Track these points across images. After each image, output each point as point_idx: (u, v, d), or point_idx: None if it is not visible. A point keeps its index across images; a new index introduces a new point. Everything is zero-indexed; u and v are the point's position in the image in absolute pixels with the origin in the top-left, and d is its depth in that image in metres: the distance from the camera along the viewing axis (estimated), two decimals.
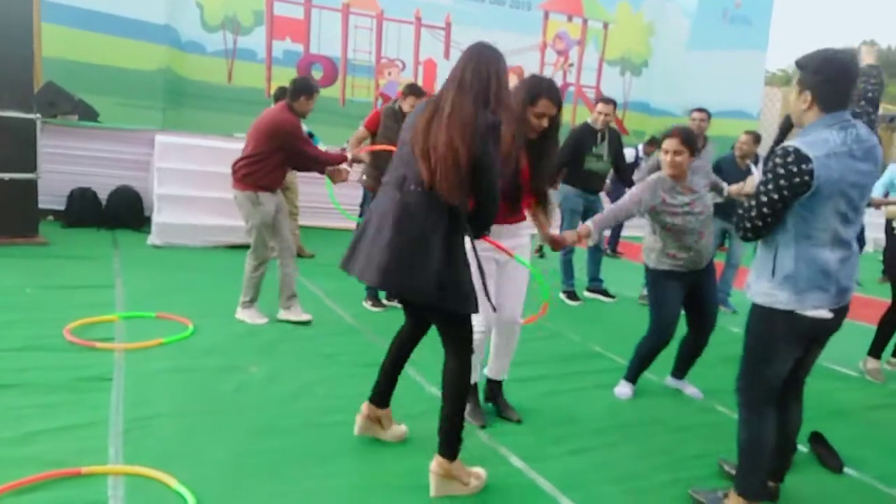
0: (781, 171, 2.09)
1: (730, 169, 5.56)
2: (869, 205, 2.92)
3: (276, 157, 4.15)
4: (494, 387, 3.20)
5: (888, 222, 4.51)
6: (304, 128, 4.66)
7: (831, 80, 2.11)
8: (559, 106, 2.81)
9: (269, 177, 4.17)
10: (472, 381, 3.09)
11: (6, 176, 5.70)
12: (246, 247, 4.35)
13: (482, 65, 2.30)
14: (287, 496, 2.36)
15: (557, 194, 5.59)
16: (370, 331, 4.29)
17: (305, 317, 4.43)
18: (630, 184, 5.92)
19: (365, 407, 2.77)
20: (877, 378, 4.26)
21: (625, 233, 8.22)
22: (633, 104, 11.90)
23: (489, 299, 2.69)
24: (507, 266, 2.98)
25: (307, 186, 6.83)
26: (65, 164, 6.87)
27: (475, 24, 10.24)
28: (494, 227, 2.84)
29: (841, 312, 2.25)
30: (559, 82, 11.14)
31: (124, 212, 6.99)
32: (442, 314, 2.39)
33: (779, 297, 2.20)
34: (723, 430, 3.14)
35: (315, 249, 6.45)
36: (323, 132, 6.23)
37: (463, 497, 2.44)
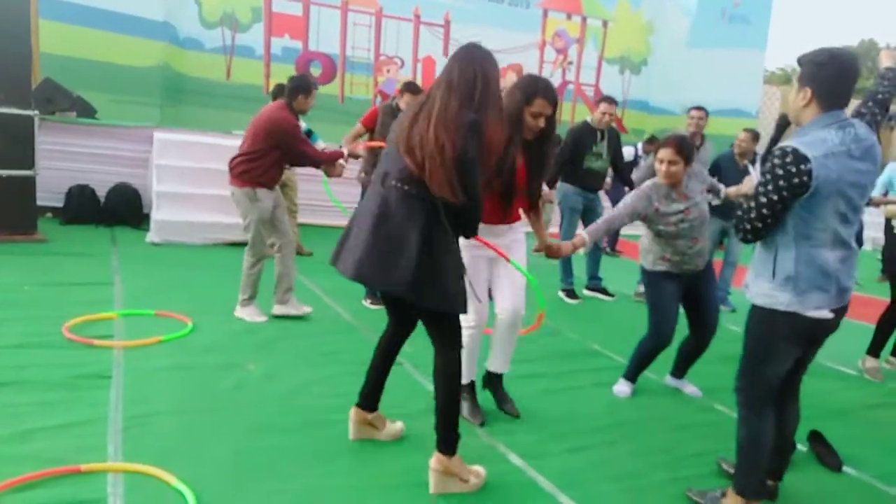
0: (780, 171, 2.08)
1: (729, 167, 5.57)
2: (868, 203, 2.91)
3: (274, 155, 4.14)
4: (495, 380, 3.19)
5: (887, 221, 4.52)
6: (303, 125, 4.66)
7: (832, 78, 2.10)
8: (555, 105, 2.80)
9: (267, 174, 4.17)
10: (469, 380, 3.10)
11: (4, 173, 5.68)
12: (245, 244, 4.34)
13: (469, 64, 2.33)
14: (285, 494, 2.36)
15: (557, 193, 5.60)
16: (369, 329, 4.29)
17: (305, 309, 4.43)
18: (628, 182, 5.92)
19: (354, 412, 2.77)
20: (875, 377, 4.27)
21: (624, 231, 8.21)
22: (632, 102, 11.90)
23: (475, 294, 2.71)
24: (502, 260, 2.98)
25: (306, 184, 6.82)
26: (63, 160, 6.85)
27: (474, 22, 10.22)
28: (489, 227, 2.85)
29: (840, 312, 2.25)
30: (558, 80, 11.17)
31: (123, 209, 6.97)
32: (424, 310, 2.41)
33: (780, 299, 2.19)
34: (722, 428, 3.14)
35: (314, 247, 6.44)
36: (322, 129, 6.20)
37: (462, 495, 2.44)
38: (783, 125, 2.66)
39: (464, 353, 3.03)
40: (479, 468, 2.54)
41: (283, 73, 8.61)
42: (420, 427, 2.91)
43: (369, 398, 2.77)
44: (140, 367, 3.32)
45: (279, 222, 4.30)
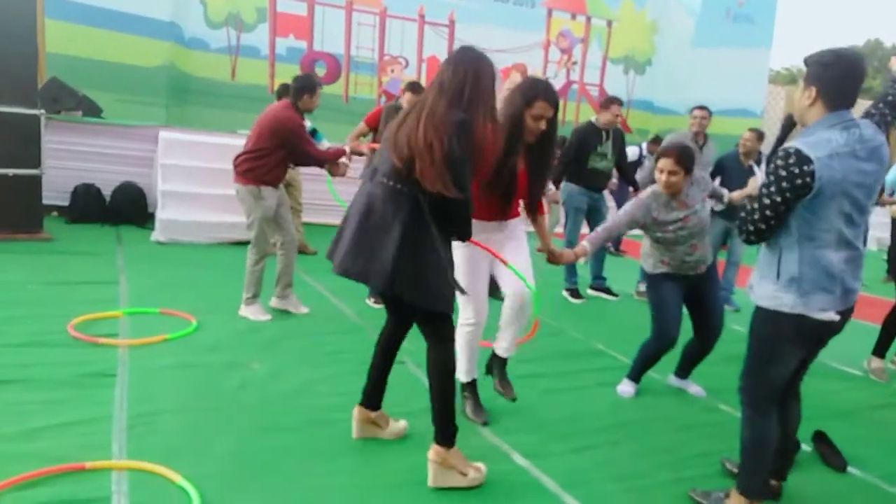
0: (783, 172, 2.07)
1: (733, 166, 5.57)
2: (874, 203, 2.89)
3: (278, 154, 4.16)
4: (499, 363, 3.14)
5: (893, 221, 4.51)
6: (308, 124, 4.67)
7: (838, 78, 2.09)
8: (556, 107, 2.79)
9: (272, 173, 4.19)
10: (470, 378, 3.10)
11: (10, 172, 5.71)
12: (249, 243, 4.36)
13: (460, 65, 2.38)
14: (289, 492, 2.36)
15: (562, 193, 5.59)
16: (373, 328, 4.28)
17: (303, 309, 4.49)
18: (633, 182, 5.92)
19: (357, 411, 2.78)
20: (881, 377, 4.25)
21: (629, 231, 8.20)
22: (637, 102, 11.87)
23: (475, 291, 2.77)
24: (505, 245, 2.96)
25: (311, 184, 6.84)
26: (69, 160, 6.88)
27: (478, 22, 10.22)
28: (486, 223, 2.85)
29: (846, 314, 2.23)
30: (563, 80, 11.16)
31: (128, 208, 7.00)
32: (409, 305, 2.44)
33: (784, 300, 2.18)
34: (726, 428, 3.14)
35: (318, 246, 6.45)
36: (326, 129, 6.22)
37: (465, 494, 2.45)
38: (789, 125, 2.65)
39: (464, 352, 3.05)
40: (480, 464, 2.54)
41: (287, 73, 8.62)
42: (423, 425, 2.90)
43: (372, 397, 2.78)
44: (145, 365, 3.33)
45: (283, 220, 4.34)
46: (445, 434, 2.48)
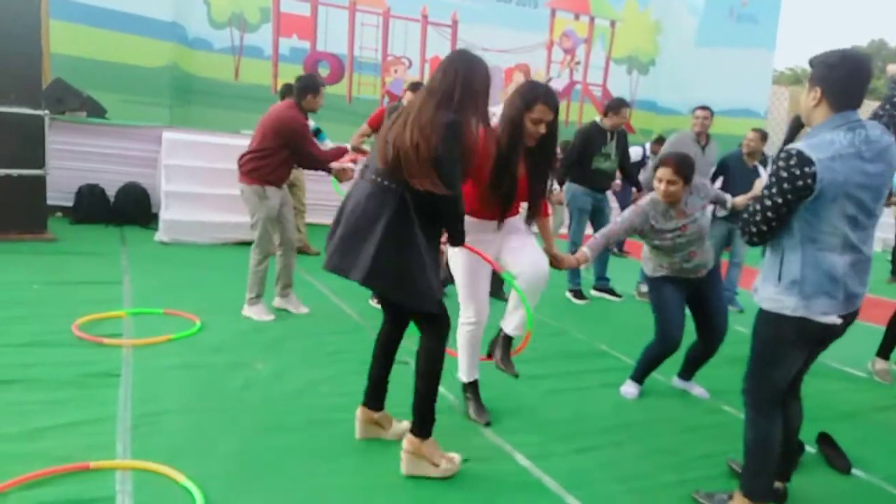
0: (784, 174, 2.07)
1: (736, 167, 5.57)
2: None
3: (282, 154, 4.17)
4: (504, 341, 3.06)
5: None
6: (312, 123, 4.68)
7: (843, 79, 2.08)
8: (556, 111, 2.78)
9: (276, 172, 4.20)
10: (471, 378, 3.10)
11: (15, 172, 5.73)
12: (253, 243, 4.37)
13: (451, 67, 2.42)
14: (292, 492, 2.37)
15: (566, 193, 5.59)
16: (374, 328, 4.23)
17: (303, 309, 4.52)
18: (636, 183, 5.91)
19: (360, 411, 2.78)
20: (885, 379, 4.23)
21: None
22: (640, 102, 11.86)
23: (476, 290, 2.82)
24: (507, 241, 2.95)
25: (314, 184, 6.84)
26: (73, 160, 6.90)
27: (482, 22, 10.23)
28: (486, 223, 2.86)
29: (849, 317, 2.22)
30: (566, 80, 11.16)
31: (132, 208, 7.02)
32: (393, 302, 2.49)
33: (785, 303, 2.17)
34: (729, 430, 3.13)
35: (320, 247, 6.44)
36: (329, 129, 6.21)
37: (467, 495, 2.45)
38: (797, 126, 2.65)
39: (465, 351, 3.05)
40: (454, 454, 2.57)
41: (291, 74, 8.62)
42: None
43: (374, 397, 2.78)
44: (149, 365, 3.34)
45: (284, 220, 4.37)
46: (423, 426, 2.53)
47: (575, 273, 5.64)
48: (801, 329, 2.17)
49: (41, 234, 5.89)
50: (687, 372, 3.69)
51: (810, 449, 2.99)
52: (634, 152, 7.70)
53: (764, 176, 4.81)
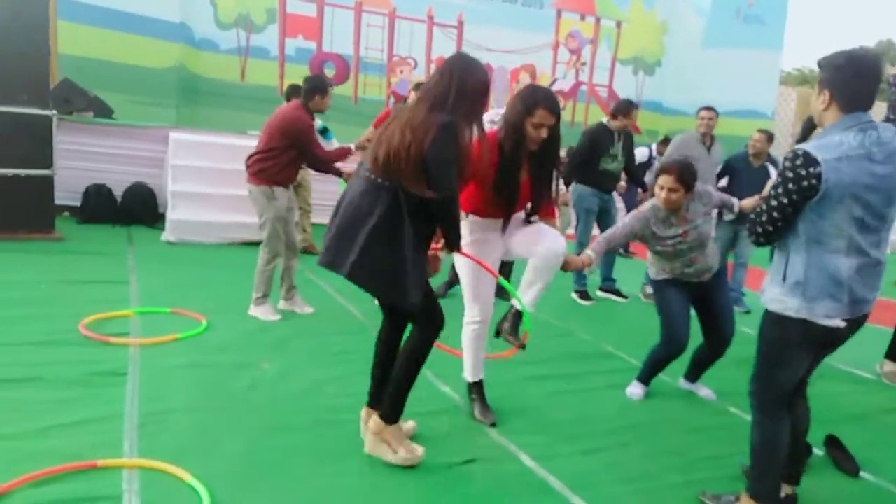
0: (790, 174, 2.06)
1: (742, 168, 5.57)
2: None
3: (289, 154, 4.18)
4: (514, 316, 2.97)
5: None
6: (319, 122, 4.69)
7: (851, 80, 2.06)
8: (558, 115, 2.75)
9: (283, 173, 4.22)
10: (476, 378, 3.09)
11: (23, 172, 5.77)
12: (260, 243, 4.38)
13: (447, 70, 2.46)
14: (298, 492, 2.37)
15: (572, 194, 5.57)
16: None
17: (307, 309, 4.55)
18: (641, 183, 5.89)
19: (365, 412, 2.79)
20: (893, 381, 4.21)
21: None
22: (646, 103, 11.82)
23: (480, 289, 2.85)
24: (514, 234, 2.93)
25: (320, 184, 6.85)
26: (80, 160, 6.94)
27: (487, 23, 10.22)
28: (491, 221, 2.86)
29: (856, 322, 2.18)
30: (572, 81, 11.14)
31: (139, 208, 7.05)
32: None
33: (789, 304, 2.16)
34: (736, 432, 3.12)
35: None
36: (335, 130, 6.24)
37: (474, 496, 2.45)
38: (810, 127, 2.63)
39: (470, 351, 3.05)
40: (416, 446, 2.60)
41: (297, 74, 8.65)
42: (433, 428, 2.92)
43: (378, 397, 2.78)
44: (155, 364, 3.35)
45: (287, 222, 4.38)
46: (392, 412, 2.59)
47: (581, 274, 5.63)
48: (805, 331, 2.16)
49: (49, 234, 5.92)
50: (693, 374, 3.68)
51: (818, 451, 2.97)
52: (640, 153, 7.68)
53: (775, 176, 4.80)
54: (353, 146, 4.51)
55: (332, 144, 5.97)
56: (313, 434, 2.80)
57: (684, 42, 11.81)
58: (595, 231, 5.49)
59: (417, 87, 4.84)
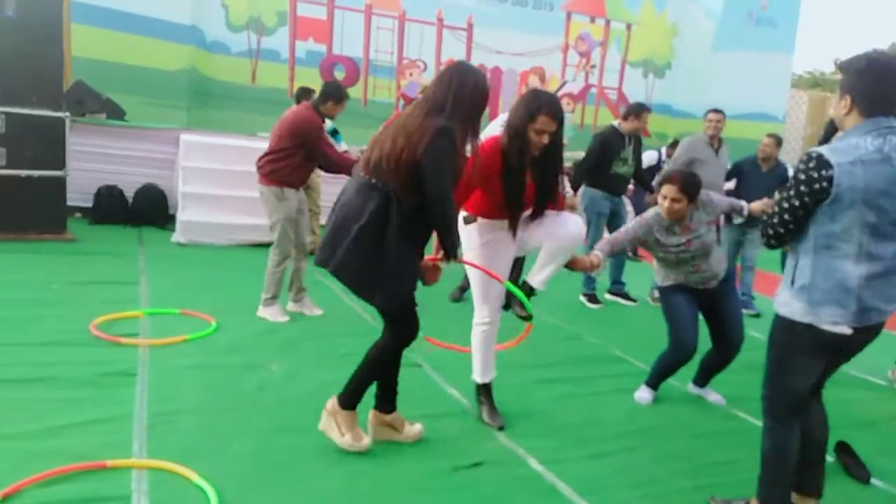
0: (802, 176, 2.04)
1: (751, 171, 5.56)
2: None
3: (299, 155, 4.20)
4: (526, 289, 2.98)
5: None
6: (329, 124, 4.70)
7: (872, 85, 2.02)
8: (561, 121, 2.73)
9: (295, 174, 4.24)
10: (485, 380, 3.09)
11: (36, 173, 5.82)
12: (269, 245, 4.40)
13: (445, 77, 2.50)
14: (306, 494, 2.38)
15: (583, 198, 5.55)
16: None
17: (316, 311, 4.55)
18: (648, 187, 5.87)
19: (372, 414, 2.80)
20: None
21: None
22: (656, 106, 11.74)
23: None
24: (525, 231, 2.93)
25: (330, 186, 6.86)
26: (93, 161, 6.99)
27: (497, 25, 10.22)
28: (499, 223, 2.86)
29: (866, 331, 2.14)
30: (581, 84, 11.12)
31: (150, 209, 7.10)
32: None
33: (795, 308, 2.14)
34: (745, 437, 3.10)
35: None
36: (344, 132, 6.25)
37: (482, 500, 2.44)
38: (831, 132, 2.60)
39: (479, 352, 3.05)
40: (364, 436, 2.67)
41: (307, 77, 8.68)
42: (440, 430, 2.92)
43: (384, 399, 2.80)
44: (165, 365, 3.37)
45: (298, 224, 4.39)
46: (349, 399, 2.66)
47: (590, 277, 5.61)
48: (812, 336, 2.13)
49: (61, 235, 5.97)
50: (702, 379, 3.65)
51: (829, 458, 2.94)
52: (649, 156, 7.65)
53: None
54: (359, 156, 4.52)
55: (340, 147, 5.98)
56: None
57: (695, 45, 11.76)
58: (606, 235, 5.47)
59: (425, 89, 4.84)
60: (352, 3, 9.56)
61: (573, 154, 6.77)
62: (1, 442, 2.50)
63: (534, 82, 10.23)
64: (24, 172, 5.76)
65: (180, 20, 8.61)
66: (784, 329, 2.20)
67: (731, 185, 5.71)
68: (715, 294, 3.38)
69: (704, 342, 3.45)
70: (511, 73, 10.45)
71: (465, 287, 5.04)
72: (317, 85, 5.05)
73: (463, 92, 2.45)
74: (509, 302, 3.07)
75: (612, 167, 5.40)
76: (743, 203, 3.57)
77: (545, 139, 2.72)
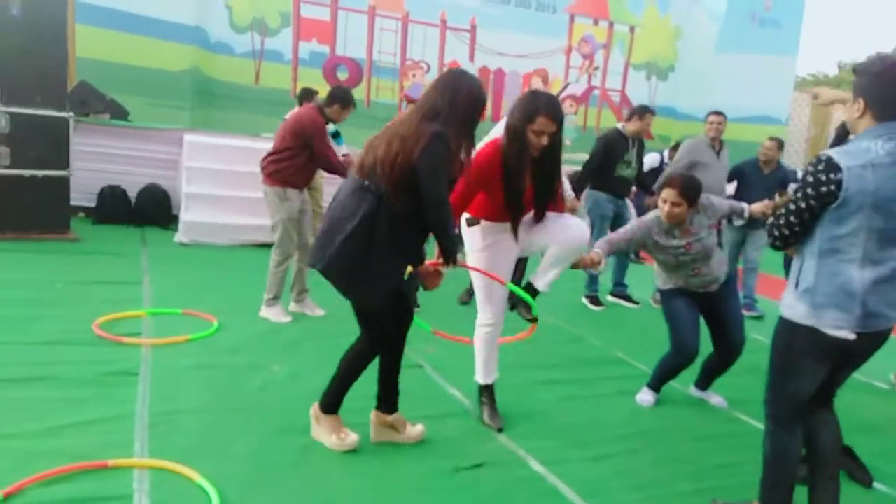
0: (811, 178, 2.03)
1: (752, 173, 5.56)
2: None
3: (303, 156, 4.21)
4: (530, 291, 2.98)
5: None
6: (332, 126, 4.71)
7: (888, 88, 2.00)
8: (560, 122, 2.71)
9: (298, 174, 4.25)
10: (487, 381, 3.09)
11: (40, 173, 5.84)
12: (272, 245, 4.40)
13: (441, 82, 2.52)
14: (307, 494, 2.38)
15: (587, 201, 5.55)
16: None
17: (318, 312, 4.55)
18: (648, 190, 5.85)
19: (373, 415, 2.81)
20: None
21: None
22: (659, 109, 11.71)
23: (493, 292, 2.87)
24: (529, 234, 2.93)
25: (333, 187, 6.85)
26: (96, 161, 7.00)
27: (500, 27, 10.23)
28: (502, 224, 2.86)
29: (872, 337, 2.12)
30: (584, 86, 11.12)
31: (153, 210, 7.11)
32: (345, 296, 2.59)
33: (798, 310, 2.13)
34: (747, 440, 3.09)
35: None
36: (348, 133, 6.25)
37: (484, 500, 2.45)
38: (842, 135, 2.59)
39: (482, 353, 3.05)
40: (352, 437, 2.68)
41: (310, 78, 8.70)
42: (442, 431, 2.92)
43: (385, 400, 2.80)
44: (167, 365, 3.38)
45: (302, 225, 4.39)
46: (330, 403, 2.70)
47: (593, 279, 5.60)
48: (814, 340, 2.12)
49: (64, 234, 5.98)
50: (704, 382, 3.65)
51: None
52: (652, 159, 7.65)
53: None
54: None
55: (341, 149, 5.99)
56: None
57: (698, 47, 11.74)
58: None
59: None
60: (355, 4, 9.57)
61: (574, 156, 6.76)
62: (2, 441, 2.50)
63: (537, 84, 10.24)
64: (27, 172, 5.78)
65: (184, 21, 8.62)
66: (787, 332, 2.20)
67: (731, 187, 5.70)
68: (716, 297, 3.38)
69: (706, 345, 3.45)
70: (514, 75, 10.45)
71: (472, 291, 5.02)
72: (320, 86, 5.06)
73: (458, 97, 2.47)
74: (514, 303, 3.07)
75: (615, 170, 5.40)
76: (744, 205, 3.56)
77: (544, 140, 2.70)
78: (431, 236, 2.59)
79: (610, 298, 5.80)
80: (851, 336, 2.08)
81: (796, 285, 2.15)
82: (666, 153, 8.08)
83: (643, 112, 5.37)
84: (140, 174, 7.23)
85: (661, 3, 11.53)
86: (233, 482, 2.36)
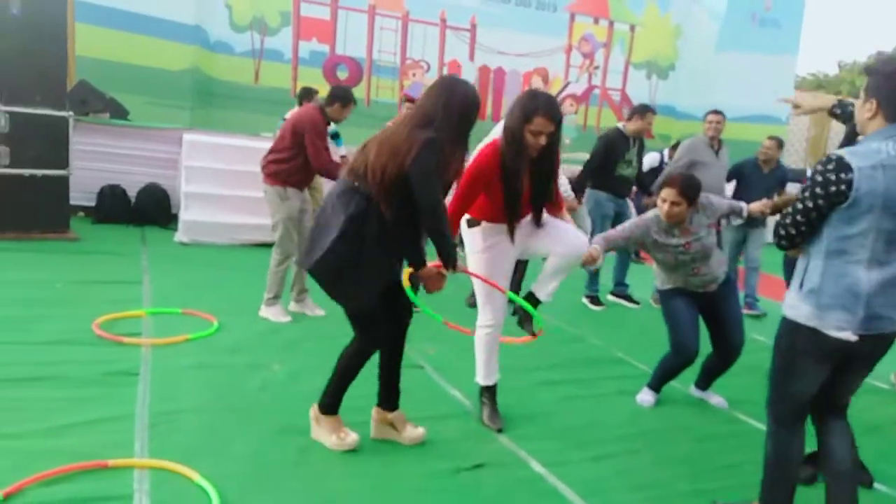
0: (819, 178, 2.01)
1: (751, 173, 5.56)
2: None
3: (303, 155, 4.20)
4: (532, 301, 2.99)
5: None
6: (332, 126, 4.71)
7: None
8: (558, 123, 2.70)
9: (298, 174, 4.25)
10: (489, 382, 3.08)
11: (39, 172, 5.83)
12: (272, 245, 4.40)
13: (434, 90, 2.53)
14: (307, 494, 2.38)
15: (588, 200, 5.54)
16: None
17: (318, 312, 4.53)
18: (646, 189, 5.85)
19: (375, 412, 2.81)
20: None
21: None
22: (660, 108, 11.70)
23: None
24: (529, 238, 2.94)
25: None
26: (96, 161, 7.00)
27: (500, 26, 10.22)
28: (502, 226, 2.85)
29: (876, 340, 2.11)
30: (584, 85, 11.11)
31: (152, 209, 7.11)
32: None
33: (801, 311, 2.12)
34: (748, 440, 3.09)
35: None
36: (347, 133, 6.25)
37: (485, 501, 2.45)
38: (852, 135, 2.57)
39: (483, 354, 3.05)
40: (352, 436, 2.67)
41: (310, 77, 8.69)
42: (443, 432, 2.92)
43: (386, 398, 2.81)
44: (167, 364, 3.38)
45: (302, 225, 4.37)
46: (329, 404, 2.71)
47: (593, 279, 5.60)
48: (816, 341, 2.11)
49: (64, 234, 5.98)
50: (704, 382, 3.65)
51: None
52: (652, 158, 7.64)
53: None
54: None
55: (340, 150, 6.00)
56: None
57: (698, 46, 11.73)
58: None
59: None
60: (355, 3, 9.56)
61: (574, 155, 6.75)
62: (3, 441, 2.50)
63: (537, 83, 10.23)
64: (27, 171, 5.77)
65: (184, 20, 8.61)
66: (789, 332, 2.19)
67: (730, 186, 5.70)
68: (715, 297, 3.38)
69: (706, 345, 3.45)
70: (514, 74, 10.44)
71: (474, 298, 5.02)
72: (320, 85, 5.06)
73: (452, 102, 2.47)
74: (521, 319, 3.09)
75: (616, 169, 5.40)
76: (742, 204, 3.56)
77: (542, 140, 2.69)
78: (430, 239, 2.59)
79: (610, 298, 5.80)
80: (853, 338, 2.07)
81: (801, 286, 2.14)
82: (666, 153, 8.07)
83: (644, 111, 5.37)
84: (140, 174, 7.22)
85: (662, 1, 11.52)
86: (233, 482, 2.36)
